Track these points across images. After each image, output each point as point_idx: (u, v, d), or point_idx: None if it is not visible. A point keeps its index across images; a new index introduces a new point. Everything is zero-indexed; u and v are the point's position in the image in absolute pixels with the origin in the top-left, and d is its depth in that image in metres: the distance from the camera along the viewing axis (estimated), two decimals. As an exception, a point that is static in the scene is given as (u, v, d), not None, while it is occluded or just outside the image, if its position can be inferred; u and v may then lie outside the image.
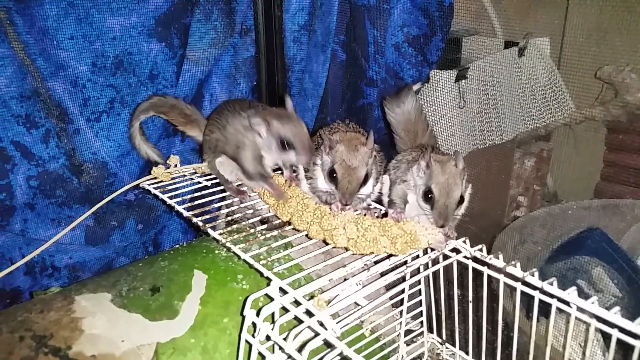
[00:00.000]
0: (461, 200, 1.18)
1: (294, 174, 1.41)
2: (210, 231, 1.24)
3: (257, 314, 0.95)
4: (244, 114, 1.34)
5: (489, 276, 1.17)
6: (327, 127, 1.44)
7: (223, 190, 1.48)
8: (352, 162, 1.20)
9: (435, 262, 1.18)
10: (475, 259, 1.18)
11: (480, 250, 1.17)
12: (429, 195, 1.17)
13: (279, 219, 1.34)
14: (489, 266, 1.16)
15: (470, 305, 1.27)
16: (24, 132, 1.34)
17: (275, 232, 1.27)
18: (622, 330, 0.95)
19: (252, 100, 1.55)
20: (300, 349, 0.87)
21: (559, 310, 1.06)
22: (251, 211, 1.41)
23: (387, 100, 1.57)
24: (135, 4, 1.38)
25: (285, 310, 0.96)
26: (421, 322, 1.50)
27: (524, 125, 2.06)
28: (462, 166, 1.19)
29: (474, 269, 1.19)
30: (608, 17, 1.68)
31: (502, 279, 1.14)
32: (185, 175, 1.55)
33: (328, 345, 0.88)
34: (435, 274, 1.41)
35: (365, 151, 1.22)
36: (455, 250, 1.20)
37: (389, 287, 1.13)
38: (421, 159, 1.22)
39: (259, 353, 0.96)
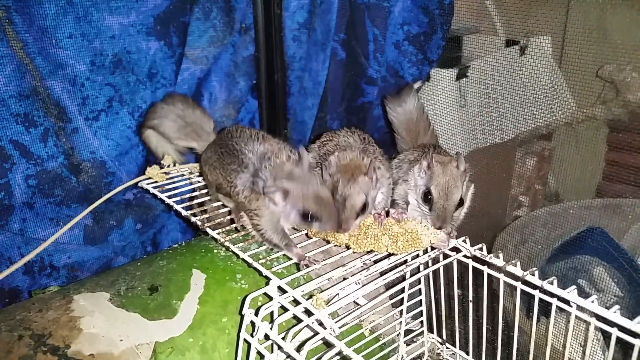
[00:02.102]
0: (461, 202, 1.17)
1: None
2: (208, 230, 1.24)
3: (256, 313, 0.94)
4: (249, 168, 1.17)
5: (489, 275, 1.16)
6: (333, 133, 1.34)
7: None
8: (346, 192, 1.11)
9: (435, 261, 1.17)
10: (475, 258, 1.18)
11: (480, 249, 1.17)
12: (428, 197, 1.16)
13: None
14: (489, 265, 1.15)
15: (471, 304, 1.27)
16: (23, 131, 1.33)
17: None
18: (621, 329, 0.95)
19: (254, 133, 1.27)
20: (299, 349, 0.86)
21: (559, 309, 1.05)
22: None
23: (389, 99, 1.57)
24: (134, 3, 1.38)
25: (284, 309, 0.96)
26: (421, 322, 1.49)
27: (525, 124, 2.05)
28: (463, 168, 1.18)
29: (474, 269, 1.19)
30: (609, 16, 1.67)
31: (502, 278, 1.13)
32: (183, 175, 1.54)
33: (327, 344, 0.88)
34: (435, 274, 1.40)
35: (365, 181, 1.13)
36: (455, 250, 1.19)
37: (388, 286, 1.12)
38: (423, 159, 1.21)
39: (258, 352, 0.95)
